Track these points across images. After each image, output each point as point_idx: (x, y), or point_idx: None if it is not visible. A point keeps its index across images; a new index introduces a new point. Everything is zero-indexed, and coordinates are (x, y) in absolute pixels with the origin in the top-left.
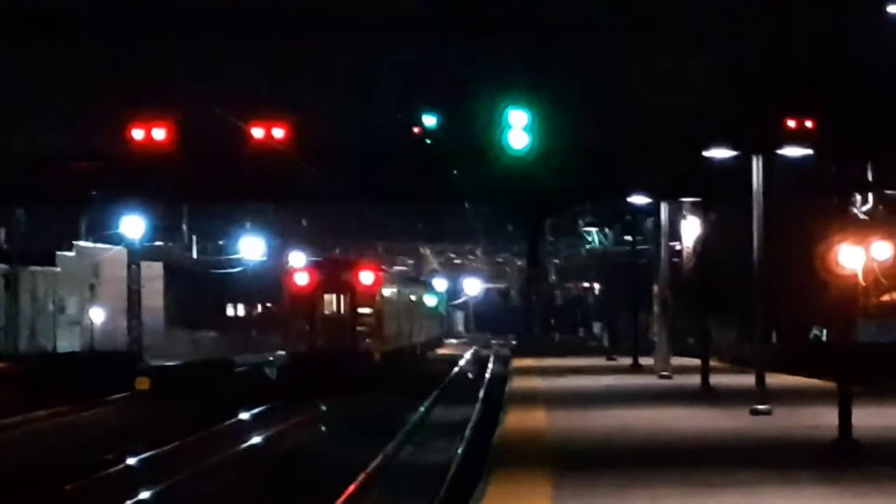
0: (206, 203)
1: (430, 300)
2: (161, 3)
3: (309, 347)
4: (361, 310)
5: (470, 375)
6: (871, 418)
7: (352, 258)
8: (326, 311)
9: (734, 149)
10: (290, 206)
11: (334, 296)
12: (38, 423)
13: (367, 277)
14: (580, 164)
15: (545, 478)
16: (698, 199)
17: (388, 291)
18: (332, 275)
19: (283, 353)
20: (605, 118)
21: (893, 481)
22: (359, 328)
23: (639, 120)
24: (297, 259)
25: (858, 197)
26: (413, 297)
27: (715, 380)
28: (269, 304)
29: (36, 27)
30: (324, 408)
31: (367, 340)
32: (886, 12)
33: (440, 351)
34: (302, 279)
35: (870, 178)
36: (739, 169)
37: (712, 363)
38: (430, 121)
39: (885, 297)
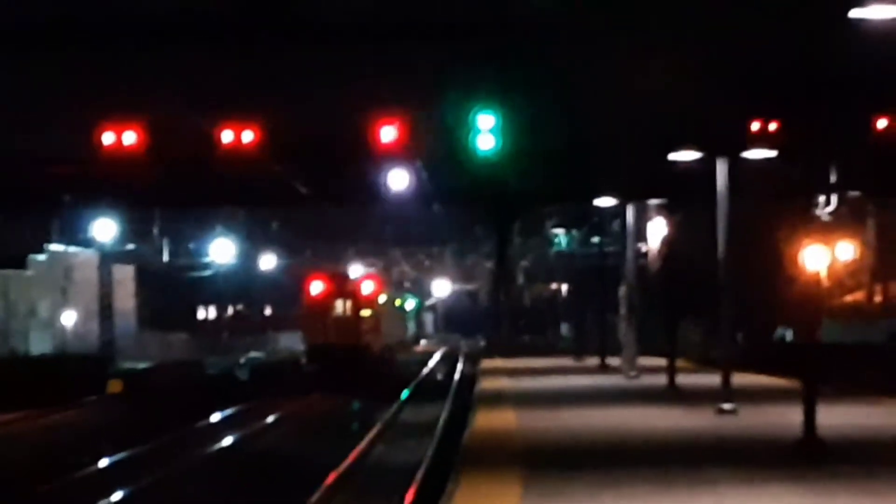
0: (177, 207)
1: (409, 304)
2: (129, 7)
3: (323, 340)
4: (363, 312)
5: (439, 377)
6: (835, 417)
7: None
8: (336, 313)
9: (699, 151)
10: (260, 210)
11: (342, 301)
12: (10, 425)
13: (367, 287)
14: (547, 167)
15: (514, 478)
16: (664, 201)
17: (381, 298)
18: (341, 284)
19: (256, 354)
20: (571, 121)
21: (858, 479)
22: (361, 327)
23: (605, 123)
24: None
25: (822, 198)
26: (398, 302)
27: (681, 380)
28: (239, 307)
29: (2, 31)
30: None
31: (368, 336)
32: (848, 17)
33: (416, 349)
34: (317, 287)
35: (833, 179)
36: (705, 171)
37: (679, 363)
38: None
39: (849, 298)
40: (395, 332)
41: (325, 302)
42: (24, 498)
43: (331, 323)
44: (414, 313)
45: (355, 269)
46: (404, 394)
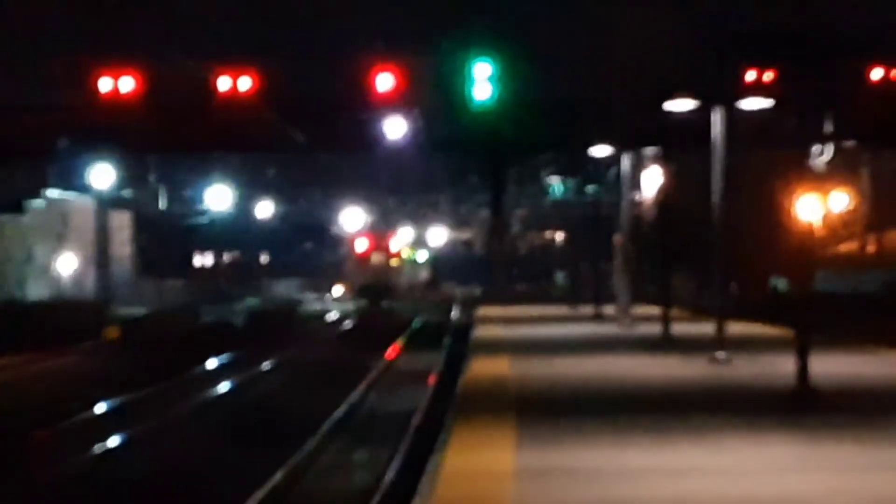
0: (174, 153)
1: (422, 256)
2: None
3: (365, 282)
4: (392, 262)
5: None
6: (828, 366)
7: (388, 232)
8: (374, 262)
9: (695, 100)
10: (256, 157)
11: (378, 253)
12: (6, 370)
13: (394, 244)
14: (543, 115)
15: (509, 425)
16: (660, 150)
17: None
18: (377, 241)
19: (252, 301)
20: (567, 69)
21: (851, 427)
22: (391, 272)
23: (601, 71)
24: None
25: (817, 148)
26: (410, 253)
27: (675, 328)
28: (235, 254)
29: None
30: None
31: (395, 278)
32: None
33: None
34: (362, 244)
35: (828, 129)
36: (701, 120)
37: (673, 312)
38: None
39: (843, 247)
40: (412, 278)
41: (367, 254)
42: (20, 443)
43: (370, 269)
44: (431, 262)
45: (354, 214)
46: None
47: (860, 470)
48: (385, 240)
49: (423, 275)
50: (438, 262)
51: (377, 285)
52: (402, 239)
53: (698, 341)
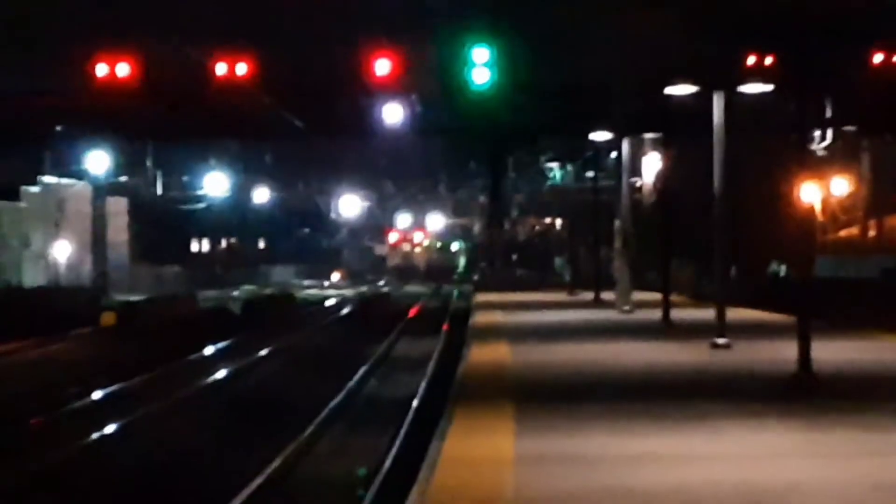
0: (171, 140)
1: (454, 246)
2: None
3: (397, 265)
4: (416, 250)
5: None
6: (829, 352)
7: (415, 227)
8: (403, 251)
9: (695, 85)
10: (254, 142)
11: (406, 244)
12: (2, 357)
13: (417, 236)
14: (542, 100)
15: (509, 411)
16: (659, 135)
17: (425, 242)
18: (405, 234)
19: (249, 287)
20: (567, 54)
21: (852, 413)
22: (414, 258)
23: (600, 56)
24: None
25: (818, 133)
26: (439, 244)
27: (675, 314)
28: (232, 240)
29: None
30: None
31: (419, 262)
32: None
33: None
34: (393, 237)
35: (829, 114)
36: (701, 105)
37: (673, 298)
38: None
39: (843, 233)
40: (441, 263)
41: (398, 244)
42: (16, 430)
43: (400, 256)
44: (466, 251)
45: (351, 200)
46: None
47: (860, 456)
48: (411, 233)
49: (453, 260)
50: (472, 250)
51: (404, 267)
52: (430, 229)
53: (698, 327)
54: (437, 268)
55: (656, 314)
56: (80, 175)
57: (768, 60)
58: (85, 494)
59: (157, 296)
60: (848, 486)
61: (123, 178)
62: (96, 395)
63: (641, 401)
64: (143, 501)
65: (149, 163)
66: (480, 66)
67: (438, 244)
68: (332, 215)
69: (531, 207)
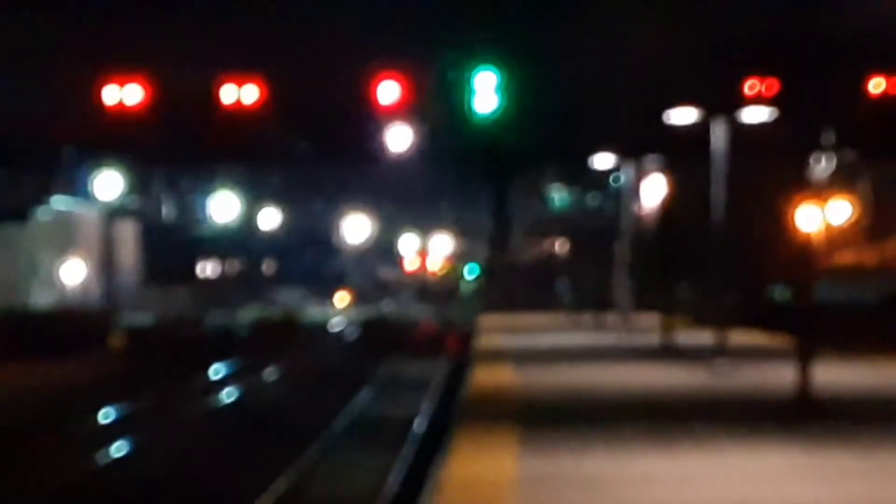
0: (179, 163)
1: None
2: None
3: (415, 290)
4: (428, 275)
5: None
6: (828, 376)
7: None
8: (421, 272)
9: (696, 111)
10: (260, 166)
11: (424, 272)
12: (13, 379)
13: (431, 263)
14: (545, 125)
15: (511, 433)
16: (661, 160)
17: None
18: (423, 258)
19: (256, 310)
20: (569, 80)
21: (850, 436)
22: (430, 279)
23: (603, 82)
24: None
25: (818, 157)
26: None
27: (677, 337)
28: (239, 263)
29: None
30: None
31: (435, 282)
32: None
33: None
34: (410, 264)
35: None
36: (702, 130)
37: (674, 321)
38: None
39: (843, 257)
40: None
41: (418, 269)
42: (26, 450)
43: (419, 277)
44: (479, 272)
45: (355, 224)
46: None
47: (859, 478)
48: (425, 259)
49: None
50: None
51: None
52: (441, 255)
53: (699, 350)
54: (449, 290)
55: (658, 337)
56: (89, 198)
57: (768, 87)
58: None
59: (166, 318)
60: None
61: (132, 201)
62: (103, 416)
63: (641, 423)
64: None
65: (157, 186)
66: (484, 92)
67: (456, 267)
68: (337, 238)
69: (534, 231)
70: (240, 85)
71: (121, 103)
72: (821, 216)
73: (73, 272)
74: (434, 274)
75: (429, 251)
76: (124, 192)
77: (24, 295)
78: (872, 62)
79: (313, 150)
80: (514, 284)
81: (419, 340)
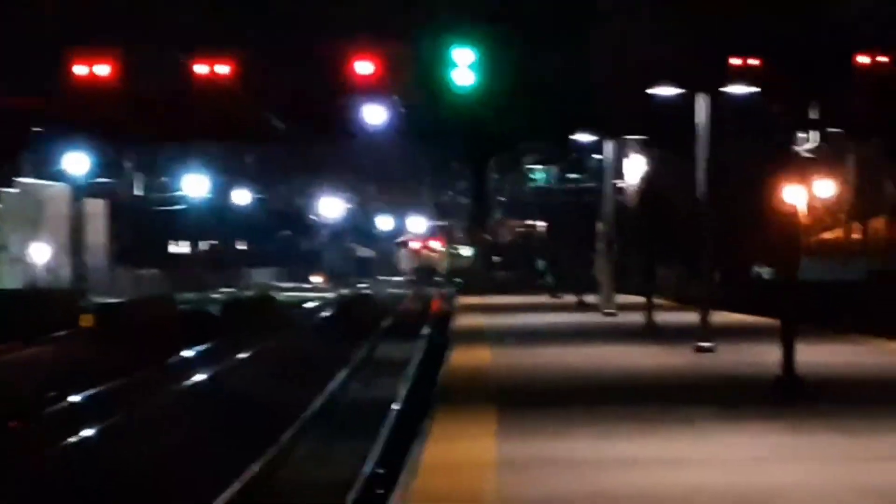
0: (150, 141)
1: (465, 251)
2: None
3: (417, 266)
4: (432, 254)
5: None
6: (813, 356)
7: (433, 237)
8: (422, 254)
9: (679, 87)
10: (234, 144)
11: (425, 250)
12: None
13: (435, 244)
14: (525, 102)
15: (490, 414)
16: (644, 138)
17: (441, 248)
18: (424, 242)
19: (229, 290)
20: (550, 57)
21: (835, 416)
22: (432, 261)
23: (585, 58)
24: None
25: (802, 135)
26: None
27: (659, 317)
28: (213, 242)
29: None
30: None
31: (435, 264)
32: None
33: None
34: (414, 244)
35: (814, 116)
36: (685, 107)
37: (656, 301)
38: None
39: (828, 235)
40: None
41: (420, 250)
42: None
43: (420, 259)
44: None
45: (331, 202)
46: None
47: (844, 459)
48: (428, 240)
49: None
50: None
51: (424, 268)
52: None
53: (683, 330)
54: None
55: (639, 317)
56: (58, 177)
57: (753, 62)
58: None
59: (137, 298)
60: (831, 489)
61: (102, 180)
62: (73, 399)
63: (625, 404)
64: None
65: (128, 164)
66: (462, 68)
67: (454, 249)
68: (313, 217)
69: (514, 209)
70: (212, 63)
71: (90, 77)
72: (805, 194)
73: (42, 252)
74: (434, 253)
75: (435, 234)
76: (94, 170)
77: None
78: (860, 40)
79: (285, 126)
80: (493, 263)
81: (407, 316)
